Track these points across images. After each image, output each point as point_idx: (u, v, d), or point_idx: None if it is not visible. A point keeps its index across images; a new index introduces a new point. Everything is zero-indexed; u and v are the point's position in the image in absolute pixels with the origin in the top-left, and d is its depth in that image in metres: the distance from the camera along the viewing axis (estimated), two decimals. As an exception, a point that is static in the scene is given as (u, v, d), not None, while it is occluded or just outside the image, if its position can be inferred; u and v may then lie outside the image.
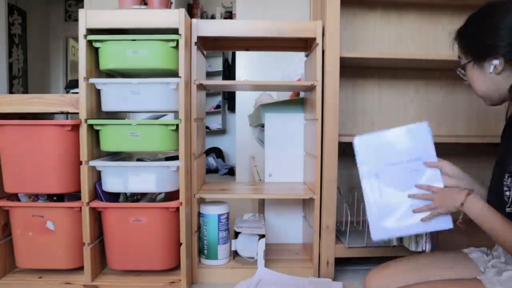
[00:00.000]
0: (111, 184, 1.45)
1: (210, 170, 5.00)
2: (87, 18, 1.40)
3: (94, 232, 1.48)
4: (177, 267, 1.49)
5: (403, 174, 1.10)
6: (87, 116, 1.42)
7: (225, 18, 4.98)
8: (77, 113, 1.43)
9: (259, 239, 1.57)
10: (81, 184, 1.42)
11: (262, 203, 1.93)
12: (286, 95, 2.33)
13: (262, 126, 1.97)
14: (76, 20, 1.44)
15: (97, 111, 1.50)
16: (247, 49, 1.83)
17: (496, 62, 0.96)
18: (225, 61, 5.15)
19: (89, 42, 1.42)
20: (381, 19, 1.81)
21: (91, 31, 1.42)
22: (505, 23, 0.95)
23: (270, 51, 1.84)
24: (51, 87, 5.43)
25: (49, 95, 1.47)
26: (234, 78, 4.19)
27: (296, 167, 1.85)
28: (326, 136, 1.51)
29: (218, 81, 3.02)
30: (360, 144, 1.13)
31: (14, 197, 1.53)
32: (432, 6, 1.78)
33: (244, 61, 3.65)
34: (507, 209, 0.93)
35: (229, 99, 5.23)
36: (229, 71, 5.05)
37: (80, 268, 1.47)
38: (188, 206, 1.50)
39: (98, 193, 1.48)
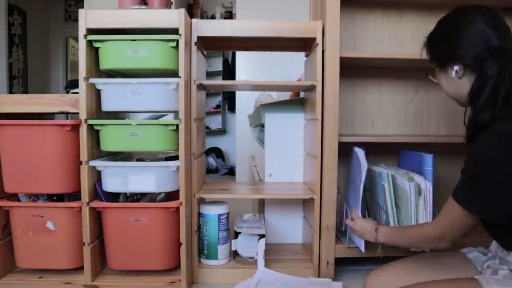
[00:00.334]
0: (111, 184, 1.45)
1: (210, 170, 5.00)
2: (87, 18, 1.40)
3: (94, 232, 1.48)
4: (177, 267, 1.49)
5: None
6: (87, 116, 1.42)
7: (225, 18, 4.98)
8: (77, 113, 1.43)
9: (259, 239, 1.57)
10: (81, 184, 1.42)
11: (262, 203, 1.93)
12: (286, 95, 2.33)
13: (262, 126, 1.97)
14: (76, 20, 1.44)
15: (97, 111, 1.50)
16: (247, 49, 1.83)
17: (456, 67, 1.01)
18: (225, 61, 5.15)
19: (89, 42, 1.42)
20: (381, 19, 1.81)
21: (91, 31, 1.42)
22: (466, 32, 0.99)
23: (270, 51, 1.85)
24: (51, 87, 5.43)
25: (49, 95, 1.47)
26: (234, 78, 4.19)
27: (296, 167, 1.85)
28: (326, 136, 1.51)
29: (218, 81, 3.02)
30: None
31: (14, 197, 1.53)
32: (432, 6, 1.78)
33: (244, 61, 3.66)
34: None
35: (229, 99, 5.23)
36: (229, 71, 5.05)
37: (80, 268, 1.47)
38: (188, 206, 1.51)
39: (98, 193, 1.48)
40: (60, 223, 1.46)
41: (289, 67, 2.61)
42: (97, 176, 1.49)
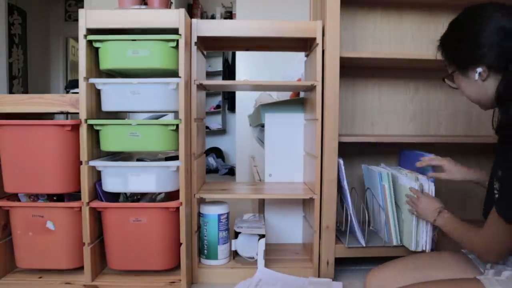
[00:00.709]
0: (111, 184, 1.45)
1: (210, 170, 5.00)
2: (87, 18, 1.40)
3: (94, 232, 1.48)
4: (177, 267, 1.49)
5: None
6: (87, 116, 1.42)
7: (225, 18, 4.98)
8: (77, 113, 1.43)
9: (259, 239, 1.57)
10: (81, 184, 1.42)
11: (262, 203, 1.93)
12: (286, 95, 2.33)
13: (262, 126, 1.97)
14: (76, 20, 1.44)
15: (97, 111, 1.50)
16: (247, 49, 1.83)
17: (479, 69, 0.94)
18: (225, 61, 5.15)
19: (89, 42, 1.42)
20: (381, 19, 1.81)
21: (91, 31, 1.42)
22: (486, 29, 0.93)
23: (270, 51, 1.85)
24: (51, 87, 5.43)
25: (49, 95, 1.47)
26: (234, 78, 4.19)
27: (296, 167, 1.85)
28: (326, 136, 1.51)
29: (218, 81, 3.02)
30: None
31: (14, 197, 1.53)
32: (432, 6, 1.78)
33: (244, 61, 3.66)
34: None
35: (229, 99, 5.23)
36: (229, 71, 5.05)
37: (80, 268, 1.47)
38: (188, 206, 1.50)
39: (98, 193, 1.48)
40: (60, 223, 1.46)
41: (289, 67, 2.61)
42: (97, 176, 1.49)
